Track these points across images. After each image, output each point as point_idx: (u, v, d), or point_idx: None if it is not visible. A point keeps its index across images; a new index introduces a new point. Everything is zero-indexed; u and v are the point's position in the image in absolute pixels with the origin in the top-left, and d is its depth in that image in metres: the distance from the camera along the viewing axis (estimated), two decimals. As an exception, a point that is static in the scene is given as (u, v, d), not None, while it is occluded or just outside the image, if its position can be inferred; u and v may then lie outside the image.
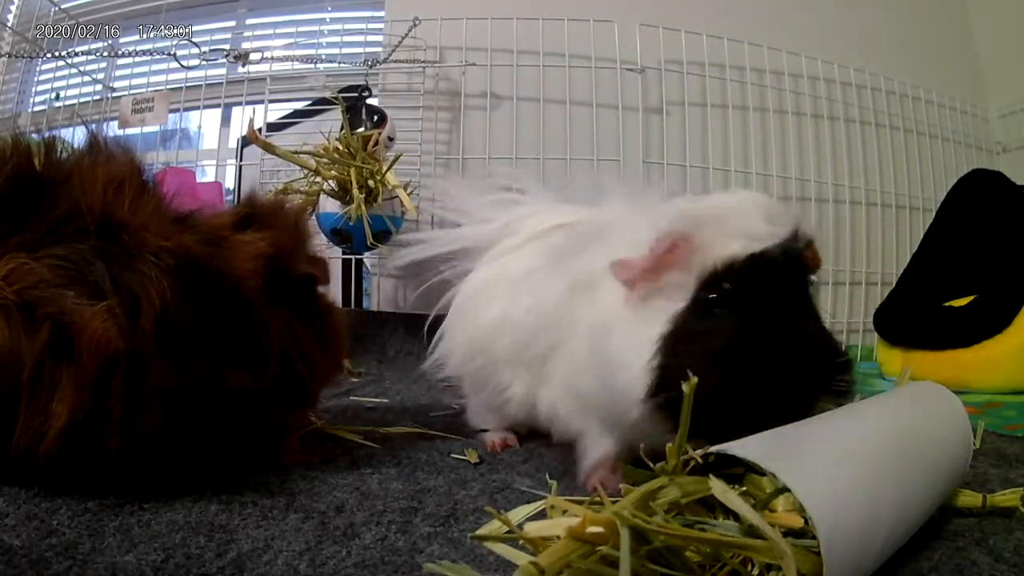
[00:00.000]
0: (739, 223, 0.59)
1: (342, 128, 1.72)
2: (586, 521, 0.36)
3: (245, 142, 2.07)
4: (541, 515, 0.49)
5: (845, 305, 2.11)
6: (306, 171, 1.74)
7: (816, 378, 0.57)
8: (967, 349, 1.36)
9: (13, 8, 2.30)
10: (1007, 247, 1.44)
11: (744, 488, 0.43)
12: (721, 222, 0.59)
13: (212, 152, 2.22)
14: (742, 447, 0.43)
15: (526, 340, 0.76)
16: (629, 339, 0.60)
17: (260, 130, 1.81)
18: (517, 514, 0.53)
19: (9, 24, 2.26)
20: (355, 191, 1.63)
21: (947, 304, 1.45)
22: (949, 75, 2.33)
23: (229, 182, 2.18)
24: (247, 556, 0.51)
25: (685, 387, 0.43)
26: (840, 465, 0.44)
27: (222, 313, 0.66)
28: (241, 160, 2.16)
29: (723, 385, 0.54)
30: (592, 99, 2.02)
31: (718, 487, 0.40)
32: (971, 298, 1.41)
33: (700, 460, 0.43)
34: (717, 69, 2.08)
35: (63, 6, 2.31)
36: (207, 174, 2.17)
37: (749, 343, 0.56)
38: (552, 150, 1.99)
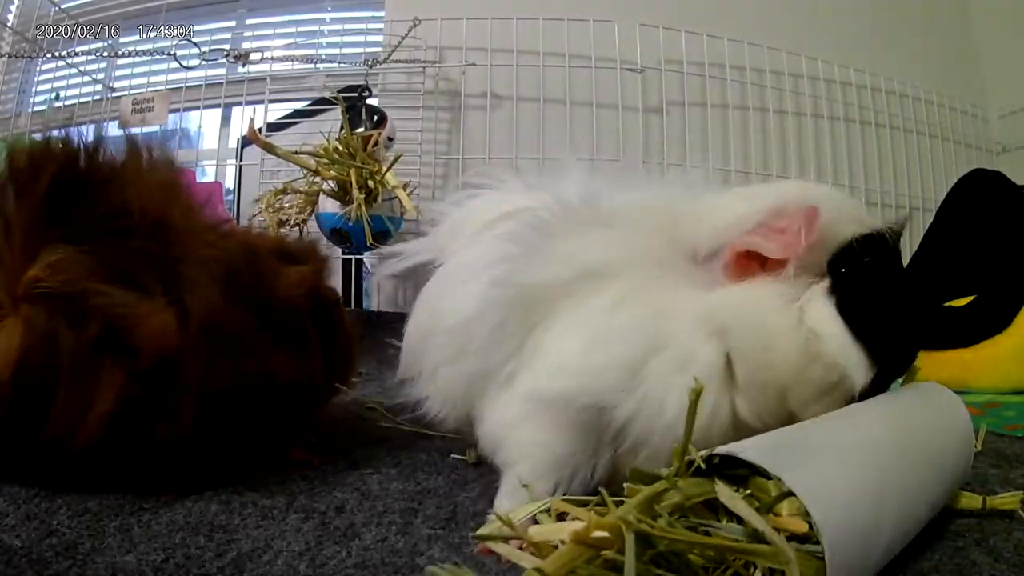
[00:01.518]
0: (850, 209, 0.62)
1: (342, 128, 1.72)
2: (591, 525, 0.36)
3: (245, 142, 2.07)
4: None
5: (845, 305, 2.11)
6: (306, 171, 1.74)
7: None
8: (967, 349, 1.36)
9: (13, 8, 2.30)
10: (1007, 247, 1.44)
11: (749, 491, 0.43)
12: (837, 207, 0.60)
13: (212, 152, 2.22)
14: (747, 450, 0.43)
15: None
16: (791, 312, 0.57)
17: (260, 130, 1.81)
18: (518, 514, 0.53)
19: (9, 24, 2.26)
20: (355, 191, 1.63)
21: (947, 304, 1.45)
22: (949, 75, 2.33)
23: (229, 182, 2.18)
24: (247, 556, 0.51)
25: (690, 393, 0.42)
26: (844, 469, 0.44)
27: (267, 316, 0.70)
28: (241, 160, 2.16)
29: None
30: (592, 99, 2.02)
31: (723, 492, 0.39)
32: (971, 298, 1.41)
33: (704, 464, 0.42)
34: (717, 69, 2.08)
35: (63, 6, 2.31)
36: (207, 174, 2.17)
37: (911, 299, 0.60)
38: (552, 150, 1.99)
